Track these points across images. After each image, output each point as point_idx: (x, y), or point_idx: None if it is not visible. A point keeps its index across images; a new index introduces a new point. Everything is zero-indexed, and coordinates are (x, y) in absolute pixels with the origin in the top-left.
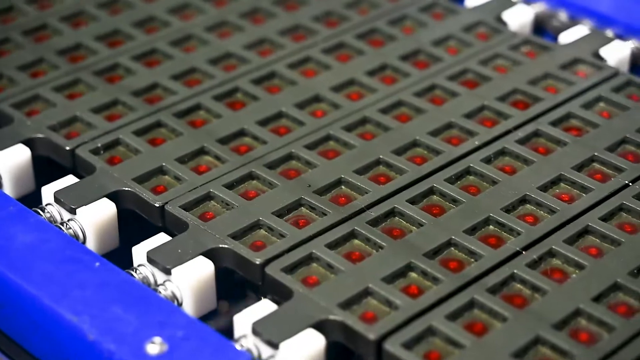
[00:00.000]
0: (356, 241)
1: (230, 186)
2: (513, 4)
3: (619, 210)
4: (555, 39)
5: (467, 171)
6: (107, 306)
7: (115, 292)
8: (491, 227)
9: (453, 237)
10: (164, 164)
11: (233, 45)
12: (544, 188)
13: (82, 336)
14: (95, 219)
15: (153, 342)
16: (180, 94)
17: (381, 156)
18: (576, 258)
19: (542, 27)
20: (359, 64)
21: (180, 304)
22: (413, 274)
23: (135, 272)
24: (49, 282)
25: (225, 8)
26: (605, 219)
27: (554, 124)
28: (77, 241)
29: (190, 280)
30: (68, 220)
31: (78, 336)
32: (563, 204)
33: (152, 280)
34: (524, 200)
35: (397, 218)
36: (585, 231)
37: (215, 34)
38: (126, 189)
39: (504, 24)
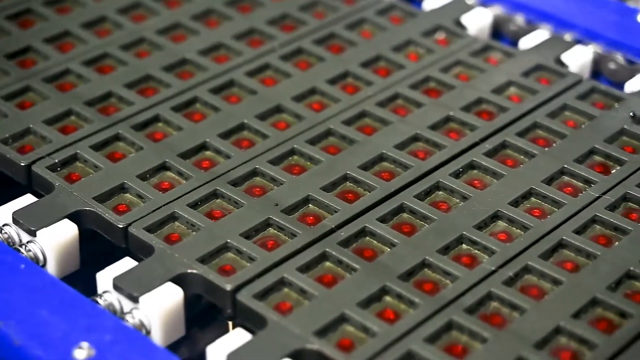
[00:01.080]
0: (328, 263)
1: (194, 205)
2: (471, 7)
3: (592, 222)
4: (513, 43)
5: (437, 186)
6: (34, 310)
7: (42, 295)
8: (464, 245)
9: (427, 257)
10: (125, 181)
11: (188, 50)
12: (515, 203)
13: (9, 341)
14: (56, 241)
15: (80, 347)
16: (137, 104)
17: (348, 172)
18: (552, 273)
19: (500, 31)
20: (319, 71)
21: (148, 332)
22: (388, 298)
23: (101, 298)
24: None
25: (177, 9)
26: (579, 232)
27: (521, 134)
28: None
29: (159, 308)
30: (27, 242)
31: (4, 341)
32: (536, 220)
33: (118, 307)
34: (496, 217)
35: (367, 238)
36: (560, 245)
37: (168, 37)
38: (88, 209)
39: (462, 27)
